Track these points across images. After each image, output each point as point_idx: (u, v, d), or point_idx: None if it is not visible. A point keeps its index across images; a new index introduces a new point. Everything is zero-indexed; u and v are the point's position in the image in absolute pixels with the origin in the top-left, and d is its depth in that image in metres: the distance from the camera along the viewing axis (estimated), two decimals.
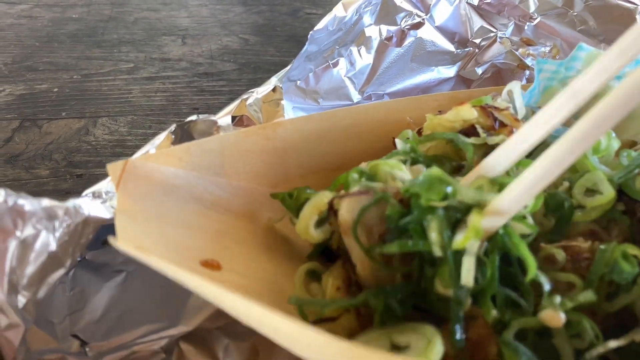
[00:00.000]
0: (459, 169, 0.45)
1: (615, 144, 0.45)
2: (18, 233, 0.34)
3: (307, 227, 0.41)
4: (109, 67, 0.75)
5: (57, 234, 0.37)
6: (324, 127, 0.51)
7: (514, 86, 0.53)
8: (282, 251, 0.47)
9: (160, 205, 0.41)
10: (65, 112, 0.67)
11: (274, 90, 0.53)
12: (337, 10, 0.60)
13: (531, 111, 0.53)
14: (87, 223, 0.38)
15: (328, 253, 0.45)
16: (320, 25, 0.58)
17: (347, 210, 0.38)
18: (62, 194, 0.55)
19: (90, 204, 0.42)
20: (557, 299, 0.34)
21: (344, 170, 0.47)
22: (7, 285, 0.34)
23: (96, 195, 0.48)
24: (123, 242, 0.35)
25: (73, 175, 0.58)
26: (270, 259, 0.45)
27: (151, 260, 0.34)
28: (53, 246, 0.37)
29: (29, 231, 0.35)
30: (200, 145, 0.46)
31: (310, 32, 0.57)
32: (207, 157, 0.45)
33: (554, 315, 0.33)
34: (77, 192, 0.50)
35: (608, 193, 0.39)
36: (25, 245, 0.35)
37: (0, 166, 0.59)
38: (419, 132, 0.51)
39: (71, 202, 0.37)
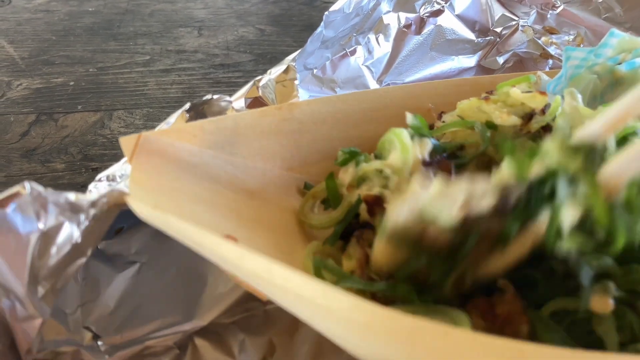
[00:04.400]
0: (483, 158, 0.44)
1: None
2: (41, 225, 0.34)
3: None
4: (125, 59, 0.75)
5: (82, 227, 0.36)
6: (341, 110, 0.50)
7: (543, 75, 0.51)
8: (297, 233, 0.45)
9: (175, 180, 0.40)
10: (81, 105, 0.67)
11: (286, 71, 0.52)
12: None
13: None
14: (110, 210, 0.38)
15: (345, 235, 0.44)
16: (336, 7, 0.57)
17: None
18: (78, 188, 0.55)
19: (110, 190, 0.41)
20: (610, 284, 0.33)
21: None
22: (27, 277, 0.34)
23: (110, 179, 0.47)
24: (138, 202, 0.34)
25: (88, 168, 0.58)
26: (287, 240, 0.44)
27: (170, 220, 0.33)
28: (77, 237, 0.36)
29: (51, 222, 0.35)
30: (215, 122, 0.44)
31: (325, 13, 0.56)
32: (221, 135, 0.44)
33: (604, 300, 0.32)
34: (91, 181, 0.49)
35: None
36: (48, 237, 0.35)
37: (17, 160, 0.59)
38: (439, 117, 0.49)
39: (96, 194, 0.36)
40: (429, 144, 0.43)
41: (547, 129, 0.44)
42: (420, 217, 0.34)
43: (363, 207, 0.42)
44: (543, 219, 0.33)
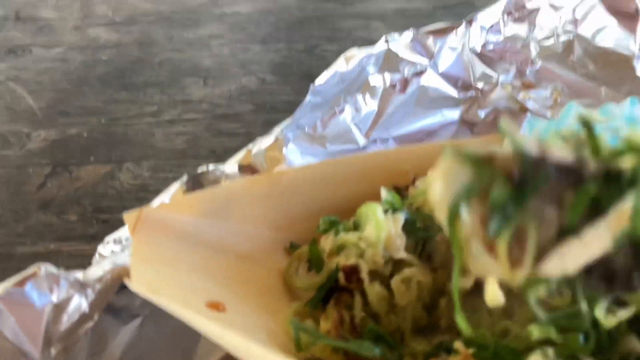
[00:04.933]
0: None
1: None
2: (54, 298, 0.40)
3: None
4: (135, 110, 0.81)
5: (89, 299, 0.42)
6: (327, 174, 0.55)
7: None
8: (284, 293, 0.51)
9: (172, 250, 0.46)
10: (93, 156, 0.73)
11: (275, 140, 0.58)
12: (338, 65, 0.64)
13: None
14: (114, 284, 0.44)
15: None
16: (321, 80, 0.63)
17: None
18: (89, 240, 0.60)
19: (115, 257, 0.47)
20: None
21: (347, 213, 0.51)
22: (42, 343, 0.39)
23: (117, 242, 0.53)
24: (137, 284, 0.40)
25: (99, 220, 0.64)
26: (273, 300, 0.50)
27: (162, 302, 0.39)
28: (85, 307, 0.42)
29: (63, 296, 0.41)
30: (209, 193, 0.51)
31: (311, 85, 0.62)
32: (215, 204, 0.50)
33: None
34: (102, 238, 0.55)
35: None
36: (60, 308, 0.41)
37: (34, 212, 0.65)
38: (413, 182, 0.55)
39: (101, 270, 0.42)
40: (401, 219, 0.48)
41: None
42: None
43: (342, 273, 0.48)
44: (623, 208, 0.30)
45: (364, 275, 0.46)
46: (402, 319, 0.47)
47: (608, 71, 0.72)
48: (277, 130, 0.59)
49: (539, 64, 0.74)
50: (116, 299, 0.51)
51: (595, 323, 0.40)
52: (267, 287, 0.50)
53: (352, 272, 0.47)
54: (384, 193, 0.50)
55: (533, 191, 0.31)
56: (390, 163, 0.56)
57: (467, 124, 0.73)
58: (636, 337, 0.41)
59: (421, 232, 0.49)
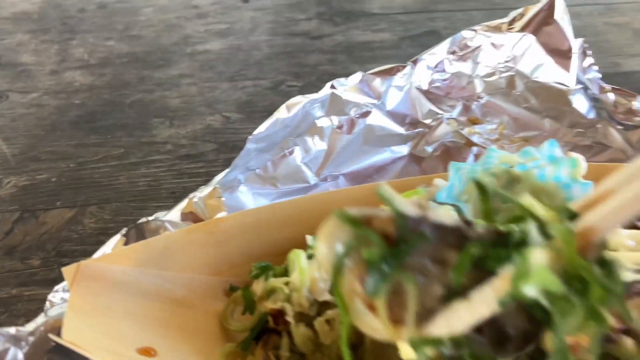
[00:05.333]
0: None
1: None
2: None
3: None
4: (102, 153, 0.84)
5: (24, 350, 0.46)
6: (262, 219, 0.58)
7: (439, 181, 0.59)
8: (220, 335, 0.54)
9: (107, 300, 0.49)
10: (60, 201, 0.76)
11: (213, 190, 0.62)
12: (280, 113, 0.68)
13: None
14: (47, 336, 0.47)
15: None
16: (261, 129, 0.66)
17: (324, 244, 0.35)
18: (49, 284, 0.63)
19: (52, 310, 0.51)
20: None
21: (284, 255, 0.54)
22: None
23: (65, 290, 0.56)
24: (67, 336, 0.43)
25: (61, 264, 0.67)
26: (209, 342, 0.52)
27: (87, 353, 0.42)
28: (21, 358, 0.46)
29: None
30: (146, 244, 0.54)
31: (248, 137, 0.65)
32: (152, 253, 0.53)
33: None
34: (61, 282, 0.58)
35: None
36: None
37: (0, 258, 0.69)
38: None
39: (33, 325, 0.45)
40: None
41: None
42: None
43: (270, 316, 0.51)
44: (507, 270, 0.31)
45: (290, 318, 0.49)
46: (327, 357, 0.50)
47: (549, 104, 0.75)
48: (215, 180, 0.63)
49: (484, 99, 0.77)
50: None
51: None
52: (203, 331, 0.52)
53: (279, 315, 0.50)
54: (310, 240, 0.53)
55: (409, 250, 0.33)
56: (325, 206, 0.59)
57: (416, 159, 0.76)
58: None
59: None
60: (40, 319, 0.48)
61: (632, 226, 0.51)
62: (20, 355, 0.44)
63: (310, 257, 0.51)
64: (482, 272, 0.32)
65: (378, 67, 0.79)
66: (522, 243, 0.31)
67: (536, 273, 0.29)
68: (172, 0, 1.34)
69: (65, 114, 0.93)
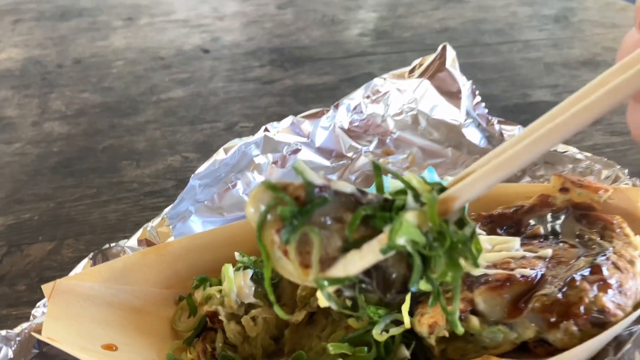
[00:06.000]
0: None
1: None
2: None
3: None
4: (78, 194, 0.98)
5: (13, 348, 0.59)
6: (204, 242, 0.73)
7: None
8: (170, 335, 0.67)
9: (79, 309, 0.63)
10: (41, 236, 0.90)
11: (162, 220, 0.76)
12: (218, 155, 0.82)
13: None
14: (31, 336, 0.60)
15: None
16: (202, 169, 0.80)
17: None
18: (33, 304, 0.76)
19: (36, 320, 0.64)
20: None
21: (220, 270, 0.68)
22: None
23: (46, 305, 0.70)
24: (46, 334, 0.56)
25: None
26: (160, 341, 0.66)
27: (62, 346, 0.55)
28: (10, 354, 0.59)
29: None
30: (109, 265, 0.68)
31: (192, 175, 0.79)
32: (114, 273, 0.67)
33: None
34: (43, 298, 0.72)
35: None
36: None
37: None
38: None
39: (19, 328, 0.59)
40: (249, 273, 0.65)
41: None
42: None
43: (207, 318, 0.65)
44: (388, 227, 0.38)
45: (222, 317, 0.63)
46: (254, 347, 0.64)
47: (448, 136, 0.91)
48: (165, 211, 0.77)
49: (396, 134, 0.93)
50: (48, 348, 0.68)
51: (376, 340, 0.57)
52: (157, 332, 0.66)
53: (214, 315, 0.64)
54: (238, 255, 0.67)
55: (314, 209, 0.39)
56: (252, 230, 0.73)
57: None
58: (405, 347, 0.57)
59: None
60: (25, 324, 0.61)
61: (493, 233, 0.66)
62: (10, 353, 0.57)
63: (237, 269, 0.65)
64: (374, 231, 0.40)
65: (318, 107, 0.93)
66: (402, 208, 0.40)
67: (404, 227, 0.38)
68: (140, 53, 1.50)
69: (46, 161, 1.07)
